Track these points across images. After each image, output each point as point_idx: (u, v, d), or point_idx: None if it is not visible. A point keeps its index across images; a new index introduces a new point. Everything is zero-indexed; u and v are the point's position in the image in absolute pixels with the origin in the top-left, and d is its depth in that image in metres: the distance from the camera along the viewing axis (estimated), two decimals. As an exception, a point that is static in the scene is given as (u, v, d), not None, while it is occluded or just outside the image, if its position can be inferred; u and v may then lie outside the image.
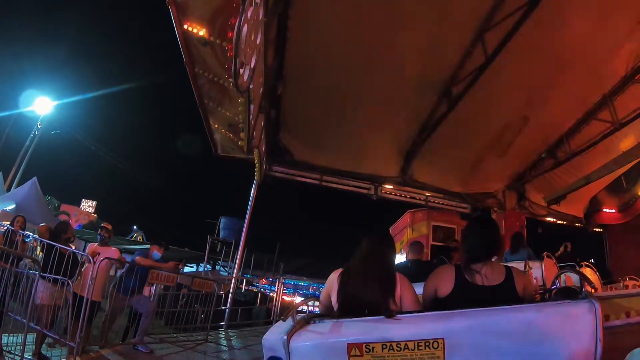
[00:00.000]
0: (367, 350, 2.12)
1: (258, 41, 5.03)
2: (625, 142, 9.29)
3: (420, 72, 8.51)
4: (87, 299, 5.60)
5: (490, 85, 8.28)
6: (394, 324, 2.22)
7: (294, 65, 8.33)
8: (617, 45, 7.91)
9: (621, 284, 6.86)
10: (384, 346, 2.11)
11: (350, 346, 2.14)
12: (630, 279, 6.98)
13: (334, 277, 2.65)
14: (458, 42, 7.90)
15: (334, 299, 2.56)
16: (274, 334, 2.33)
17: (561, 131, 10.33)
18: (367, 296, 2.43)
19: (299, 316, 2.35)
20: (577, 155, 10.12)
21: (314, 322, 2.34)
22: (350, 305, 2.43)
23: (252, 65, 4.79)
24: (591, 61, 8.14)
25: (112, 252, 6.65)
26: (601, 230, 12.85)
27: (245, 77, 4.50)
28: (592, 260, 8.66)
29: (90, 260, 5.98)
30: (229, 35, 4.19)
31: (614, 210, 11.33)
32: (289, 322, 2.30)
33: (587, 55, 7.99)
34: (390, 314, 2.26)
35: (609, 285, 6.70)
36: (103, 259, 6.08)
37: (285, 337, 2.20)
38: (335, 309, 2.52)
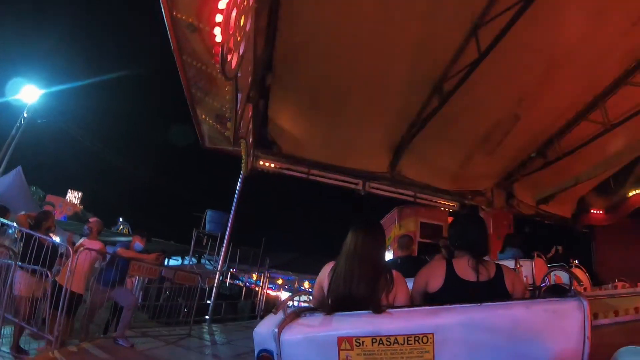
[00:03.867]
0: (357, 344, 2.12)
1: (248, 28, 4.92)
2: (616, 143, 9.36)
3: (412, 67, 8.46)
4: (67, 290, 5.46)
5: (482, 82, 8.23)
6: (384, 318, 2.22)
7: (284, 56, 8.23)
8: (611, 46, 7.91)
9: (610, 285, 6.92)
10: (374, 340, 2.12)
11: (341, 340, 2.13)
12: (620, 280, 7.05)
13: (325, 271, 2.62)
14: (451, 38, 7.84)
15: (326, 294, 2.53)
16: (265, 327, 2.32)
17: (551, 131, 10.38)
18: (359, 292, 2.41)
19: (289, 310, 2.33)
20: (566, 156, 10.15)
21: (305, 316, 2.34)
22: (342, 301, 2.40)
23: (240, 53, 4.69)
24: (584, 61, 8.15)
25: (94, 243, 6.48)
26: (588, 231, 12.96)
27: (233, 64, 4.39)
28: (577, 260, 8.73)
29: (70, 251, 5.83)
30: (217, 20, 4.07)
31: (601, 212, 11.45)
32: (280, 315, 2.28)
33: (581, 55, 8.00)
34: (379, 309, 2.25)
35: (598, 287, 6.75)
36: (82, 250, 5.92)
37: (276, 330, 2.18)
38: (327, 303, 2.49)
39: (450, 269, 2.59)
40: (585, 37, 7.59)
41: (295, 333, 2.20)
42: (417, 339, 2.09)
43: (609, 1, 7.14)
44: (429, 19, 7.36)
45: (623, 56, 8.16)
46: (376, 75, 8.69)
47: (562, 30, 7.45)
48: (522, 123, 9.85)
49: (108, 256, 6.58)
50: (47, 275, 5.47)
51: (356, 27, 7.60)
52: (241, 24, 4.44)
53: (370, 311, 2.26)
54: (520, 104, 9.32)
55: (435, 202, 12.83)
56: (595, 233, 12.66)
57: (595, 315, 3.77)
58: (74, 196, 42.48)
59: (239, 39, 4.46)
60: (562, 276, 5.11)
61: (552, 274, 5.12)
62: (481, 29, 7.42)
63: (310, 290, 2.92)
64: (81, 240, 6.47)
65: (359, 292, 2.40)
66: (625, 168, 9.87)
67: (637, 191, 9.40)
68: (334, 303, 2.42)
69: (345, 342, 2.12)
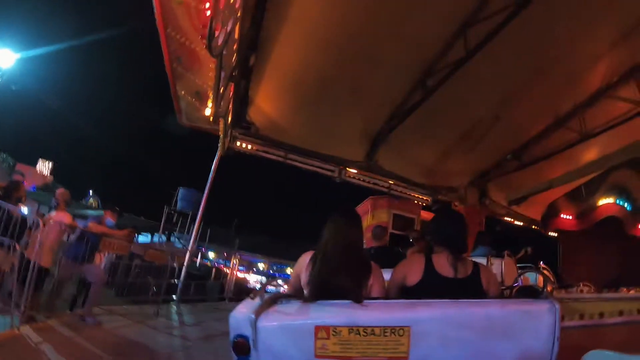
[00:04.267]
0: (334, 334, 2.14)
1: (237, 5, 4.81)
2: (590, 153, 9.61)
3: (398, 59, 8.47)
4: (34, 264, 5.30)
5: (466, 80, 8.30)
6: (362, 309, 2.24)
7: (269, 37, 8.09)
8: (596, 58, 8.11)
9: (575, 289, 7.10)
10: (351, 330, 2.14)
11: (318, 328, 2.14)
12: (585, 285, 7.24)
13: (304, 260, 2.61)
14: (440, 34, 7.89)
15: (303, 282, 2.54)
16: (241, 312, 2.28)
17: (529, 134, 10.62)
18: (339, 283, 2.42)
19: (266, 295, 2.32)
20: (541, 161, 10.42)
21: (282, 303, 2.33)
22: (321, 291, 2.40)
23: (227, 30, 4.59)
24: (569, 70, 8.33)
25: (63, 216, 6.30)
26: (556, 235, 13.23)
27: (220, 41, 4.30)
28: (543, 262, 8.92)
29: (40, 223, 5.65)
30: (207, -6, 3.96)
31: (570, 217, 11.68)
32: (257, 300, 2.27)
33: (566, 64, 8.17)
34: (359, 300, 2.27)
35: (563, 289, 6.91)
36: (52, 223, 5.75)
37: (252, 316, 2.17)
38: (305, 292, 2.50)
39: (429, 264, 2.62)
40: (572, 46, 7.75)
41: (272, 320, 2.20)
42: (393, 331, 2.12)
43: (600, 13, 7.24)
44: (419, 12, 7.36)
45: (607, 68, 8.34)
46: (361, 64, 8.67)
47: (551, 37, 7.54)
48: (501, 124, 10.01)
49: (78, 230, 6.41)
50: (14, 248, 5.29)
51: (345, 14, 7.54)
52: (231, 0, 4.34)
53: (348, 301, 2.28)
54: (501, 106, 9.46)
55: (409, 194, 12.95)
56: (563, 237, 12.91)
57: (561, 317, 3.86)
58: (44, 166, 41.05)
59: (227, 15, 4.36)
60: (529, 277, 5.24)
61: (521, 274, 5.24)
62: (471, 28, 7.47)
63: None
64: (50, 213, 6.28)
65: (343, 282, 2.41)
66: (597, 177, 10.11)
67: (607, 200, 9.64)
68: (314, 291, 2.42)
69: (322, 331, 2.14)
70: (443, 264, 2.60)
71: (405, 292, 2.58)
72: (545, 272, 6.99)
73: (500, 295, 2.84)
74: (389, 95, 9.60)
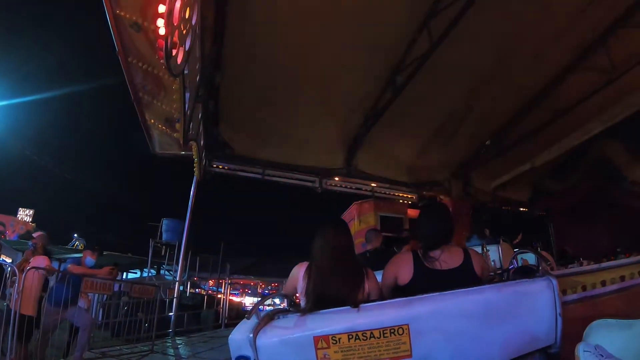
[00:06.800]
0: (334, 342, 2.13)
1: (194, 21, 4.71)
2: (567, 128, 9.66)
3: (365, 60, 8.44)
4: (15, 312, 5.09)
5: (435, 73, 8.30)
6: (358, 314, 2.24)
7: (233, 54, 8.03)
8: (559, 35, 8.14)
9: (576, 263, 7.13)
10: (350, 336, 2.13)
11: (317, 339, 2.13)
12: (585, 258, 7.28)
13: (298, 271, 2.63)
14: (403, 29, 7.88)
15: (300, 293, 2.56)
16: (240, 333, 2.25)
17: (505, 118, 10.62)
18: (335, 291, 2.43)
19: (262, 313, 2.30)
20: (520, 142, 10.45)
21: (279, 318, 2.32)
22: (320, 301, 2.40)
23: (186, 48, 4.48)
24: (534, 50, 8.37)
25: (41, 260, 6.07)
26: (545, 214, 13.33)
27: (179, 59, 4.19)
28: (534, 243, 8.95)
29: (16, 271, 5.44)
30: (160, 11, 3.85)
31: (557, 195, 11.78)
32: (254, 319, 2.25)
33: (530, 44, 8.22)
34: (356, 305, 2.28)
35: (562, 266, 6.93)
36: (30, 269, 5.53)
37: (251, 335, 2.14)
38: (302, 303, 2.52)
39: (418, 260, 2.62)
40: (534, 26, 7.78)
41: (271, 336, 2.18)
42: (392, 331, 2.13)
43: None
44: (380, 10, 7.34)
45: (571, 44, 8.42)
46: (329, 70, 8.63)
47: (511, 19, 7.58)
48: (476, 112, 10.04)
49: (59, 274, 6.20)
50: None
51: (307, 21, 7.51)
52: (186, 16, 4.24)
53: (344, 308, 2.28)
54: (473, 94, 9.48)
55: (394, 195, 12.92)
56: (553, 216, 13.01)
57: (563, 292, 3.86)
58: (25, 214, 40.43)
59: (184, 32, 4.26)
60: (528, 259, 5.22)
61: (518, 257, 5.21)
62: (433, 19, 7.48)
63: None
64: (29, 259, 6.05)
65: (338, 290, 2.43)
66: (578, 150, 10.23)
67: (590, 172, 9.80)
68: (313, 302, 2.42)
69: (322, 341, 2.13)
70: (433, 258, 2.59)
71: (400, 292, 2.56)
72: (544, 252, 7.01)
73: (500, 279, 2.81)
74: (360, 98, 9.59)
